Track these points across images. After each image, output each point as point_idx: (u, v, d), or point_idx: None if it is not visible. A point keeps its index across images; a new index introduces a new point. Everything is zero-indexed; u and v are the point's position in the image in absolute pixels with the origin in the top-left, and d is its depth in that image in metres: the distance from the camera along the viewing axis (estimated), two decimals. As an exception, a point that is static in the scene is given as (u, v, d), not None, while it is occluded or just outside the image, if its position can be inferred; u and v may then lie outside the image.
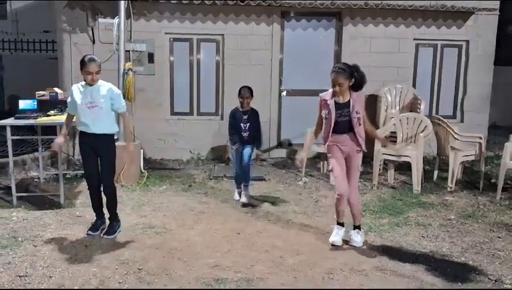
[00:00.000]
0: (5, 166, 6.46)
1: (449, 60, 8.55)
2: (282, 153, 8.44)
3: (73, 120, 4.83)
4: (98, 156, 4.64)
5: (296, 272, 4.04)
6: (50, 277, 3.80)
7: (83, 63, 4.44)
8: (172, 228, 5.04)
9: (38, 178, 6.64)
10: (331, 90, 4.48)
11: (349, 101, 4.44)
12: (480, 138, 6.64)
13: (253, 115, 5.96)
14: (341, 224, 4.71)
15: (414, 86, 8.46)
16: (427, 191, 6.48)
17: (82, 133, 4.62)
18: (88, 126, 4.53)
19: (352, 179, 4.62)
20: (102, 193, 4.71)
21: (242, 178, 5.98)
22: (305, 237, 4.79)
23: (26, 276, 3.79)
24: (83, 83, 4.54)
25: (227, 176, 7.05)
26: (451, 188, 6.54)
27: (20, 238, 4.53)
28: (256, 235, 4.90)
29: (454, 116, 8.66)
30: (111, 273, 3.91)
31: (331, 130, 4.47)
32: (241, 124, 5.88)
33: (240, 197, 6.00)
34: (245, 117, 5.89)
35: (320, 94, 4.61)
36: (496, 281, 3.93)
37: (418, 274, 4.03)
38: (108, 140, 4.66)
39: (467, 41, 8.42)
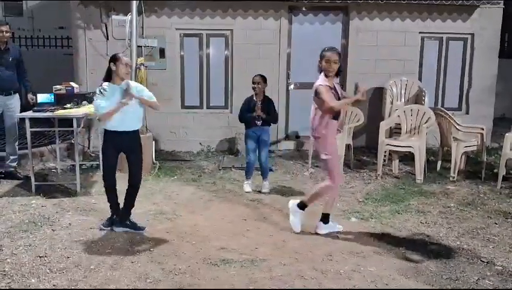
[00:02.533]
0: (24, 157, 6.77)
1: (454, 53, 8.68)
2: (290, 145, 8.66)
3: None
4: (122, 153, 4.68)
5: (297, 254, 4.27)
6: (68, 257, 4.08)
7: (116, 57, 4.50)
8: (182, 214, 5.30)
9: (56, 169, 6.94)
10: (321, 78, 4.54)
11: (334, 86, 4.63)
12: (482, 129, 6.80)
13: (268, 102, 6.14)
14: (302, 208, 4.80)
15: (420, 78, 8.61)
16: (430, 181, 6.66)
17: (110, 132, 4.60)
18: (119, 124, 4.52)
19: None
20: (131, 186, 4.72)
21: (261, 173, 6.27)
22: (308, 223, 4.99)
23: (45, 256, 4.07)
24: (106, 85, 4.53)
25: (236, 166, 7.30)
26: (453, 177, 6.71)
27: (39, 223, 4.82)
28: (262, 221, 5.14)
29: (459, 109, 8.80)
30: (124, 254, 4.18)
31: (332, 117, 4.54)
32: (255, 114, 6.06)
33: (249, 188, 6.20)
34: (259, 105, 6.07)
35: (318, 84, 4.53)
36: (487, 262, 4.13)
37: (414, 256, 4.25)
38: (136, 136, 4.71)
39: (472, 34, 8.54)
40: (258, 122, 6.07)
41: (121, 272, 3.84)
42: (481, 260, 4.17)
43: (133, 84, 4.68)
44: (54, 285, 3.60)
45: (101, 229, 4.72)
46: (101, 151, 5.65)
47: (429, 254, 4.30)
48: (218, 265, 4.01)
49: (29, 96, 6.47)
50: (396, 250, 4.38)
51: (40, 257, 4.06)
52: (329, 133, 4.57)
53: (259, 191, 6.18)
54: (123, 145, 4.63)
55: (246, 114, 6.12)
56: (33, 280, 3.66)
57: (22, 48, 12.53)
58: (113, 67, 4.49)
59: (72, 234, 4.59)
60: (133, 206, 4.80)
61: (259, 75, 6.10)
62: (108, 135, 4.62)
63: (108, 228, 4.73)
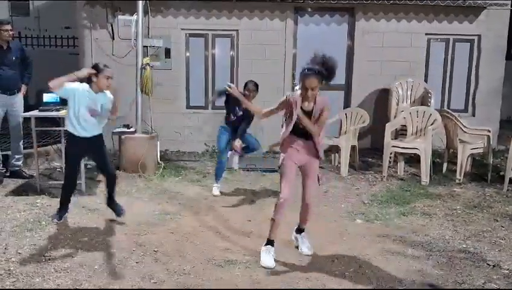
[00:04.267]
0: (29, 156, 6.78)
1: (461, 55, 8.64)
2: (295, 145, 8.62)
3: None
4: (88, 155, 5.09)
5: (301, 255, 4.26)
6: (72, 257, 4.08)
7: (98, 68, 4.58)
8: (187, 215, 5.30)
9: (61, 168, 6.95)
10: (299, 92, 4.07)
11: (312, 109, 4.03)
12: (488, 131, 6.76)
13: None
14: (271, 242, 4.17)
15: (426, 80, 8.57)
16: (436, 183, 6.63)
17: (73, 136, 4.75)
18: (84, 131, 4.70)
19: (311, 186, 4.23)
20: (109, 176, 4.98)
21: (249, 151, 6.15)
22: (313, 225, 4.96)
23: (50, 256, 4.06)
24: (87, 87, 4.63)
25: (240, 167, 7.28)
26: (459, 180, 6.67)
27: (44, 222, 4.83)
28: (266, 222, 5.01)
29: (466, 110, 8.76)
30: (128, 254, 4.18)
31: (288, 132, 4.11)
32: (237, 107, 5.89)
33: (217, 192, 6.08)
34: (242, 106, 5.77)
35: (288, 94, 4.16)
36: (494, 266, 4.09)
37: (419, 258, 4.22)
38: (101, 138, 4.91)
39: (479, 36, 8.50)
40: (233, 118, 6.01)
41: (126, 272, 3.84)
42: (487, 263, 4.14)
43: (108, 95, 4.78)
44: (58, 284, 3.59)
45: (53, 220, 4.85)
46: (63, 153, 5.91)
47: (434, 256, 4.28)
48: (222, 266, 4.00)
49: (23, 87, 6.46)
50: (401, 252, 4.36)
51: (45, 256, 4.06)
52: (286, 147, 4.18)
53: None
54: (85, 149, 4.85)
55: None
56: (37, 279, 3.66)
57: (28, 48, 12.61)
58: (94, 79, 4.59)
59: (77, 234, 4.60)
60: (113, 192, 5.05)
61: (254, 83, 5.90)
62: (71, 138, 4.81)
63: (55, 220, 4.86)
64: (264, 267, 4.00)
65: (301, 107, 4.03)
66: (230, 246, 4.43)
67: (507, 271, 4.01)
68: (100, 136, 4.89)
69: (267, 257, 4.08)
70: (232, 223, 5.10)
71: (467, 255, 4.31)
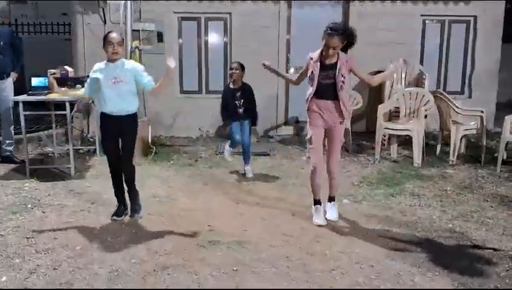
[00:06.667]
0: (21, 141, 6.78)
1: (457, 36, 8.55)
2: (289, 130, 8.60)
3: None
4: (120, 137, 4.45)
5: (286, 236, 4.23)
6: (55, 238, 4.08)
7: (104, 38, 4.29)
8: (176, 198, 5.28)
9: (53, 153, 6.96)
10: (320, 50, 4.31)
11: (336, 62, 4.26)
12: (482, 112, 6.69)
13: (246, 90, 6.02)
14: (318, 202, 4.62)
15: (421, 62, 8.48)
16: (428, 165, 6.57)
17: (105, 115, 4.42)
18: (112, 105, 4.33)
19: (334, 152, 4.54)
20: (122, 170, 4.52)
21: (244, 158, 6.18)
22: (301, 207, 4.95)
23: (32, 238, 4.07)
24: (104, 61, 4.38)
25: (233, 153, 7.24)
26: (452, 161, 6.62)
27: (29, 205, 4.83)
28: (255, 205, 5.10)
29: (462, 92, 8.68)
30: (112, 235, 4.17)
31: (313, 93, 4.35)
32: (236, 102, 5.98)
33: (230, 158, 6.34)
34: (238, 94, 5.97)
35: (310, 53, 4.43)
36: (479, 246, 4.04)
37: (403, 238, 4.19)
38: (132, 120, 4.46)
39: (475, 17, 8.39)
40: (241, 110, 6.00)
41: (107, 252, 3.84)
42: (471, 242, 4.11)
43: (131, 64, 4.51)
44: (37, 265, 3.59)
45: (113, 220, 4.50)
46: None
47: (418, 235, 4.25)
48: (205, 247, 3.99)
49: (13, 74, 6.43)
50: (385, 232, 4.33)
51: (27, 238, 4.07)
52: (311, 111, 4.47)
53: (244, 174, 6.15)
54: (117, 129, 4.40)
55: (227, 111, 6.08)
56: (17, 260, 3.66)
57: (25, 35, 12.61)
58: (104, 48, 4.33)
59: (62, 216, 4.60)
60: (137, 196, 4.66)
61: (238, 62, 6.01)
62: (103, 118, 4.47)
63: (120, 218, 4.52)
64: (317, 225, 4.44)
65: (322, 62, 4.28)
66: (215, 227, 4.40)
67: (491, 250, 3.97)
68: (131, 116, 4.45)
69: (317, 216, 4.54)
70: (221, 206, 5.08)
71: (452, 235, 4.28)
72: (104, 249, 3.89)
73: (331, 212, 4.64)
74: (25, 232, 4.18)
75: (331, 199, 4.71)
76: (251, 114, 6.10)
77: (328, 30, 4.18)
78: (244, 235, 4.24)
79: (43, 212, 4.69)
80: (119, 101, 4.35)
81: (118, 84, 4.33)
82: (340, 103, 4.32)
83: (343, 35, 4.19)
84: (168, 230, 4.32)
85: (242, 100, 5.99)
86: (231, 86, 6.05)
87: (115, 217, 4.53)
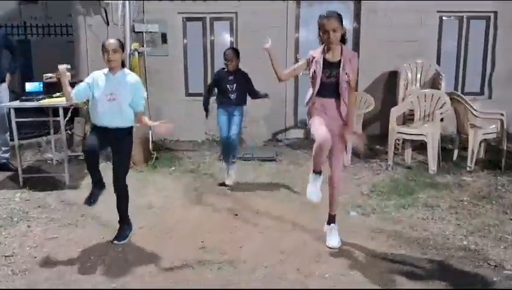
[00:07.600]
0: (20, 148, 6.57)
1: (476, 33, 8.06)
2: (299, 133, 8.26)
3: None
4: (111, 148, 4.11)
5: (283, 254, 3.90)
6: (35, 257, 3.82)
7: (102, 45, 3.98)
8: (171, 208, 5.03)
9: (52, 160, 6.74)
10: (321, 47, 3.90)
11: (340, 60, 3.83)
12: (502, 115, 6.23)
13: (241, 75, 5.53)
14: (319, 172, 3.91)
15: (438, 61, 8.03)
16: (444, 172, 6.15)
17: (96, 127, 4.07)
18: (105, 120, 3.99)
19: (336, 158, 4.02)
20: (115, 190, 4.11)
21: (228, 152, 5.64)
22: (304, 219, 4.62)
23: (12, 256, 3.82)
24: (105, 70, 4.05)
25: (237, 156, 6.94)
26: (470, 167, 6.19)
27: (15, 219, 4.59)
28: (254, 216, 4.79)
29: (481, 93, 8.20)
30: (96, 253, 3.90)
31: (315, 92, 3.90)
32: (227, 85, 5.48)
33: (228, 180, 5.68)
34: (231, 77, 5.46)
35: (310, 51, 3.98)
36: (495, 266, 3.67)
37: (411, 259, 3.81)
38: (125, 134, 4.08)
39: (495, 13, 7.90)
40: (232, 96, 5.49)
41: (87, 275, 3.56)
42: (488, 263, 3.71)
43: (134, 80, 4.08)
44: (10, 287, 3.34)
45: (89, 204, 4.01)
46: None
47: (428, 255, 3.87)
48: (193, 267, 3.68)
49: (8, 77, 6.19)
50: (393, 250, 3.96)
51: (6, 256, 3.82)
52: (313, 108, 4.00)
53: (224, 184, 5.70)
54: (109, 141, 4.04)
55: (210, 94, 5.66)
56: (-9, 282, 3.42)
57: (34, 37, 12.50)
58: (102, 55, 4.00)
59: (47, 231, 4.34)
60: (126, 219, 4.22)
61: (232, 48, 5.63)
62: (94, 128, 4.10)
63: (93, 205, 4.01)
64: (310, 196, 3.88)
65: (325, 59, 3.84)
66: (207, 244, 4.10)
67: (510, 272, 3.58)
68: (123, 130, 4.05)
69: (313, 185, 3.87)
70: (217, 217, 4.78)
71: (466, 254, 3.88)
72: (84, 271, 3.61)
73: (332, 238, 4.07)
74: (5, 250, 3.94)
75: (330, 220, 4.14)
76: (243, 102, 5.56)
77: (322, 15, 3.77)
78: (238, 253, 3.93)
79: (29, 226, 4.44)
80: (112, 118, 3.99)
81: (114, 101, 3.96)
82: (341, 102, 3.91)
83: (341, 18, 3.76)
84: (157, 248, 4.02)
85: (235, 84, 5.47)
86: (225, 68, 5.56)
87: (86, 205, 4.02)
